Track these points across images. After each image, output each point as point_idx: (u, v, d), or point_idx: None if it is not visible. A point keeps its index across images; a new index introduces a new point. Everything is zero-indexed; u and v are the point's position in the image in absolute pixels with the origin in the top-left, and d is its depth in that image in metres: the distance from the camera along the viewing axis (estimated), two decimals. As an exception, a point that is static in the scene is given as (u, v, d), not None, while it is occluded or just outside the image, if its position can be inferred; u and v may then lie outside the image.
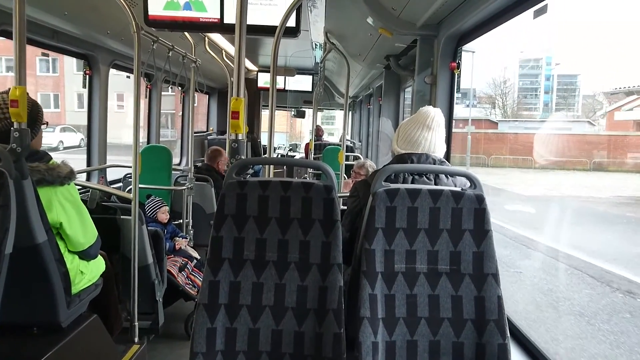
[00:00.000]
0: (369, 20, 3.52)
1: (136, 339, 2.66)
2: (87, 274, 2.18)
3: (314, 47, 6.27)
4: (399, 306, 1.68)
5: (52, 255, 1.94)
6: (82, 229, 2.10)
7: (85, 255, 2.16)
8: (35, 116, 2.05)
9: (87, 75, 4.17)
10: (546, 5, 2.20)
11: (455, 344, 1.67)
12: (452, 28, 3.00)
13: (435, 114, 2.00)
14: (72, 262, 2.10)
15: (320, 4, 4.11)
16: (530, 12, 2.41)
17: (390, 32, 3.47)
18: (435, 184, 1.91)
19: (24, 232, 1.81)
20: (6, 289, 1.69)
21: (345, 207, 2.13)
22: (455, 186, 1.94)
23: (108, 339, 2.35)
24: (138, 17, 2.64)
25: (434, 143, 1.98)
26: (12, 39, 1.87)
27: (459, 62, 3.19)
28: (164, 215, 3.70)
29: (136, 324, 2.67)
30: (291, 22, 2.75)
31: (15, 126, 1.84)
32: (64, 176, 2.00)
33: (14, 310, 1.93)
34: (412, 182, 1.89)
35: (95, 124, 4.27)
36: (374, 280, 1.67)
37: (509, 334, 1.68)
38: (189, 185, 4.28)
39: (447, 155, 3.28)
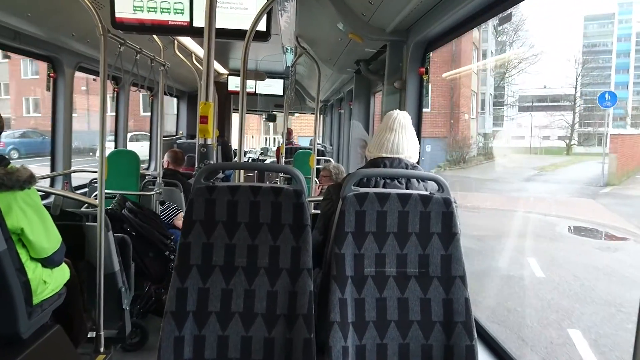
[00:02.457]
0: (339, 25, 3.53)
1: (102, 349, 2.59)
2: (50, 283, 2.12)
3: (284, 51, 6.25)
4: (368, 310, 1.69)
5: (12, 264, 1.88)
6: (45, 234, 2.04)
7: (49, 262, 2.10)
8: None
9: (52, 78, 4.06)
10: (511, 13, 2.26)
11: (424, 346, 1.69)
12: (421, 34, 3.04)
13: (398, 116, 2.04)
14: (35, 271, 2.04)
15: (291, 9, 4.11)
16: (496, 19, 2.47)
17: (360, 38, 3.49)
18: (407, 188, 1.93)
19: None
20: None
21: (317, 211, 2.14)
22: (426, 190, 1.97)
23: (72, 349, 2.29)
24: (105, 20, 2.59)
25: (399, 144, 2.01)
26: None
27: (427, 68, 3.23)
28: (179, 221, 3.69)
29: (102, 333, 2.60)
30: (262, 26, 2.74)
31: None
32: (23, 180, 1.94)
33: None
34: (384, 186, 1.91)
35: (60, 128, 4.16)
36: (344, 285, 1.67)
37: (476, 336, 1.71)
38: (158, 191, 4.20)
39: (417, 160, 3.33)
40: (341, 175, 4.69)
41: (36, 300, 2.03)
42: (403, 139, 2.02)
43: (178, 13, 2.88)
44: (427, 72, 3.26)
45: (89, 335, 2.61)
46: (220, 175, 2.03)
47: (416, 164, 2.05)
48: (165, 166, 4.73)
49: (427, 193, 1.76)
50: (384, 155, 1.99)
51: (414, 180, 1.95)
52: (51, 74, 4.04)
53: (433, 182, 1.93)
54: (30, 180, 1.97)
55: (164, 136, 5.43)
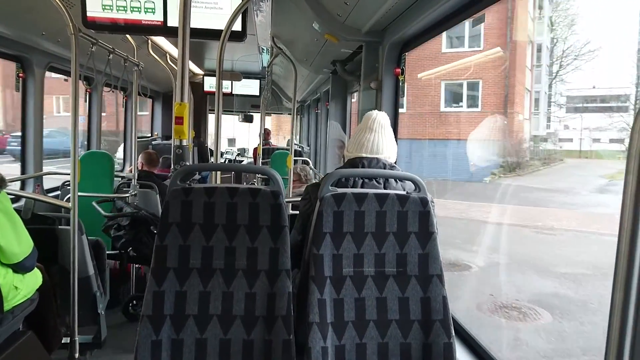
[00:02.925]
0: (315, 25, 3.54)
1: (77, 355, 2.54)
2: (22, 289, 2.07)
3: (260, 51, 6.23)
4: (347, 310, 1.70)
5: None
6: (16, 239, 1.99)
7: (20, 267, 2.05)
8: None
9: (20, 79, 3.95)
10: (484, 15, 2.30)
11: (403, 345, 1.70)
12: (396, 35, 3.07)
13: (377, 116, 2.06)
14: (5, 277, 1.99)
15: (267, 9, 4.10)
16: (470, 20, 2.51)
17: (336, 38, 3.50)
18: (385, 187, 1.94)
19: None
20: None
21: (295, 212, 2.13)
22: (404, 190, 1.98)
23: (45, 356, 2.24)
24: (76, 19, 2.54)
25: (378, 144, 2.03)
26: None
27: (402, 68, 3.26)
28: None
29: (76, 338, 2.55)
30: (237, 26, 2.72)
31: None
32: None
33: None
34: (362, 186, 1.92)
35: (30, 130, 4.06)
36: (323, 285, 1.67)
37: (454, 333, 1.73)
38: (132, 193, 4.14)
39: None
40: (308, 175, 4.72)
41: (7, 306, 1.98)
42: (382, 139, 2.04)
43: (151, 12, 2.84)
44: (402, 73, 3.29)
45: (63, 341, 2.55)
46: (197, 176, 2.01)
47: (394, 164, 2.07)
48: (140, 168, 4.64)
49: (404, 193, 1.77)
50: (363, 155, 2.01)
51: (392, 180, 1.96)
52: (20, 74, 3.94)
53: (411, 182, 1.95)
54: (0, 183, 1.93)
55: (139, 137, 5.35)
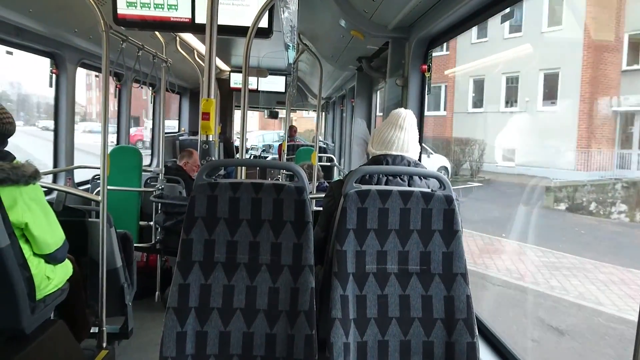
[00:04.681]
0: (341, 22, 3.53)
1: (104, 344, 2.61)
2: (53, 279, 2.13)
3: (286, 48, 6.25)
4: (370, 307, 1.70)
5: (15, 259, 1.88)
6: (49, 230, 2.05)
7: (52, 258, 2.11)
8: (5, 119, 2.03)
9: (54, 75, 4.06)
10: (513, 10, 2.26)
11: (426, 343, 1.70)
12: (423, 31, 3.04)
13: (406, 115, 2.04)
14: (38, 267, 2.05)
15: (293, 6, 4.11)
16: (498, 16, 2.46)
17: (362, 35, 3.48)
18: (409, 185, 1.93)
19: None
20: None
21: (319, 208, 2.14)
22: (428, 188, 1.97)
23: (75, 344, 2.30)
24: (107, 16, 2.59)
25: (407, 142, 2.03)
26: None
27: (429, 65, 3.23)
28: None
29: (104, 328, 2.61)
30: (263, 23, 2.74)
31: None
32: (28, 175, 1.95)
33: None
34: (387, 183, 1.91)
35: (63, 125, 4.16)
36: (346, 281, 1.67)
37: (477, 333, 1.71)
38: (160, 187, 4.21)
39: (419, 158, 3.33)
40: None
41: (39, 295, 2.04)
42: (409, 138, 2.03)
43: (180, 9, 2.88)
44: (429, 70, 3.26)
45: (92, 331, 2.62)
46: (222, 172, 2.04)
47: (418, 161, 2.06)
48: (182, 164, 4.67)
49: (428, 190, 1.76)
50: (388, 152, 2.00)
51: (416, 178, 1.95)
52: (54, 71, 4.04)
53: (435, 180, 1.94)
54: (35, 175, 1.99)
55: (166, 133, 5.44)
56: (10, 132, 2.08)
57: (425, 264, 1.73)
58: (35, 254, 2.06)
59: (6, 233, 1.84)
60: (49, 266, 2.11)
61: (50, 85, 4.10)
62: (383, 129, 2.06)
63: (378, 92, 5.84)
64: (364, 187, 1.74)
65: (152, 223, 4.34)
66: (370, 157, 2.09)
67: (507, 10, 2.32)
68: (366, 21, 3.34)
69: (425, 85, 3.32)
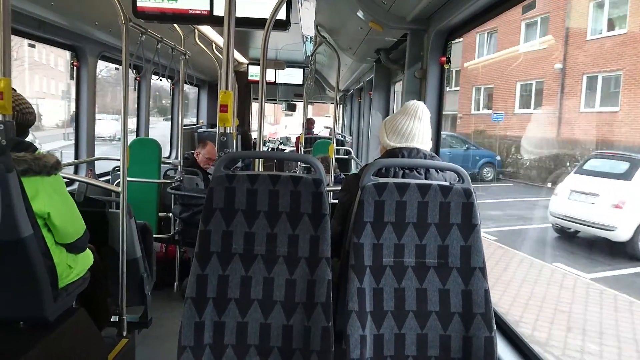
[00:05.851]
0: (359, 13, 3.50)
1: (125, 332, 2.65)
2: (75, 268, 2.17)
3: (304, 40, 6.23)
4: (387, 299, 1.69)
5: (38, 248, 1.92)
6: (70, 220, 2.09)
7: (73, 248, 2.15)
8: (25, 109, 2.07)
9: (75, 67, 4.12)
10: (535, 1, 2.21)
11: (443, 337, 1.69)
12: (442, 22, 3.00)
13: (422, 106, 2.03)
14: (60, 256, 2.09)
15: (311, -3, 4.10)
16: (520, 7, 2.42)
17: (380, 26, 3.46)
18: (426, 178, 1.92)
19: (8, 226, 1.79)
20: None
21: (336, 201, 2.14)
22: (445, 181, 1.96)
23: (96, 332, 2.34)
24: (126, 8, 2.61)
25: (423, 133, 2.02)
26: None
27: (448, 57, 3.20)
28: None
29: (125, 317, 2.66)
30: (281, 15, 2.74)
31: (0, 118, 1.82)
32: (50, 166, 1.98)
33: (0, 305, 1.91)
34: (403, 177, 1.90)
35: (84, 116, 4.23)
36: (362, 274, 1.67)
37: (495, 327, 1.70)
38: (178, 178, 4.26)
39: (437, 151, 3.31)
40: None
41: (62, 284, 2.08)
42: (426, 129, 2.02)
43: (198, 2, 2.89)
44: (448, 62, 3.22)
45: (112, 320, 2.67)
46: (240, 164, 2.05)
47: (434, 154, 2.04)
48: (195, 154, 4.72)
49: (447, 183, 1.75)
50: (404, 145, 1.99)
51: (432, 171, 1.94)
52: (74, 63, 4.10)
53: (452, 173, 1.92)
54: (56, 166, 2.02)
55: (185, 125, 5.48)
56: (31, 122, 2.12)
57: (443, 257, 1.72)
58: (57, 244, 2.09)
59: (29, 223, 1.88)
60: (70, 255, 2.15)
61: (72, 78, 4.17)
62: (398, 119, 2.03)
63: (396, 85, 5.80)
64: (382, 179, 1.74)
65: (171, 214, 4.39)
66: (384, 149, 2.08)
67: (529, 0, 2.27)
68: (384, 12, 3.31)
69: (444, 77, 3.29)
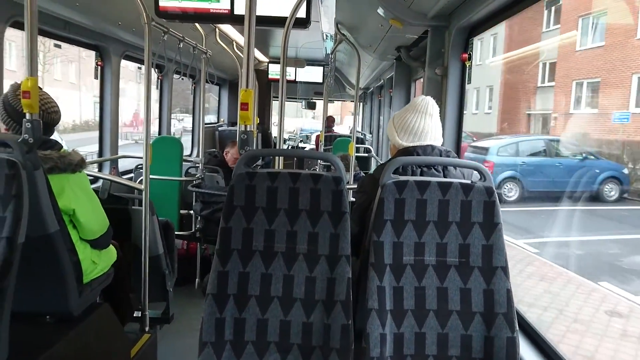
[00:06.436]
0: (380, 11, 3.49)
1: (147, 328, 2.69)
2: (99, 263, 2.21)
3: (324, 38, 6.23)
4: (407, 298, 1.69)
5: (64, 244, 1.96)
6: (94, 217, 2.13)
7: (97, 244, 2.19)
8: (51, 108, 2.10)
9: (99, 67, 4.19)
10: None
11: (464, 336, 1.67)
12: (464, 19, 2.97)
13: (431, 101, 2.01)
14: (84, 252, 2.13)
15: (331, -5, 4.09)
16: (544, 2, 2.37)
17: (400, 23, 3.43)
18: (444, 175, 1.90)
19: (36, 222, 1.83)
20: (19, 278, 1.71)
21: (354, 199, 2.14)
22: (464, 176, 1.94)
23: (119, 327, 2.38)
24: (149, 8, 2.65)
25: (435, 130, 2.00)
26: (23, 30, 1.88)
27: (470, 54, 3.16)
28: None
29: (147, 313, 2.70)
30: (301, 13, 2.74)
31: (27, 117, 1.86)
32: (75, 164, 2.02)
33: (27, 299, 1.96)
34: (421, 175, 1.89)
35: (107, 115, 4.30)
36: (382, 272, 1.67)
37: (517, 328, 1.68)
38: (200, 176, 4.30)
39: (457, 149, 3.27)
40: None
41: (86, 279, 2.12)
42: (437, 125, 2.00)
43: (219, 1, 2.91)
44: (469, 58, 3.19)
45: (135, 315, 2.71)
46: (260, 162, 2.06)
47: (449, 149, 2.02)
48: (224, 153, 4.75)
49: (468, 182, 1.73)
50: (417, 143, 1.97)
51: (450, 167, 1.92)
52: (98, 63, 4.17)
53: (470, 170, 1.90)
54: (81, 164, 2.06)
55: (206, 124, 5.54)
56: (56, 121, 2.16)
57: (464, 256, 1.70)
58: (81, 240, 2.14)
59: (56, 219, 1.92)
60: (94, 251, 2.19)
61: (96, 77, 4.24)
62: (408, 117, 2.01)
63: (416, 82, 5.75)
64: (402, 178, 1.73)
65: (192, 212, 4.44)
66: (395, 148, 2.05)
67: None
68: (405, 9, 3.29)
69: (466, 75, 3.25)
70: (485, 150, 10.71)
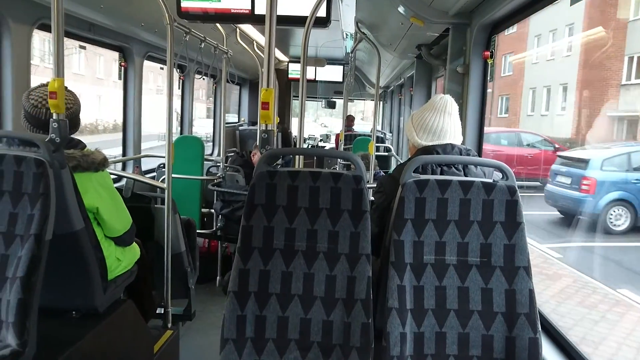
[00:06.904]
0: (400, 9, 3.47)
1: (169, 324, 2.73)
2: (123, 260, 2.25)
3: (344, 37, 6.22)
4: (427, 297, 1.68)
5: (89, 241, 2.00)
6: (117, 215, 2.16)
7: (120, 241, 2.23)
8: (77, 108, 2.15)
9: (123, 67, 4.26)
10: (585, -9, 2.12)
11: (485, 336, 1.66)
12: (485, 16, 2.94)
13: (450, 99, 1.99)
14: (108, 249, 2.17)
15: (351, -6, 4.09)
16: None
17: (421, 21, 3.41)
18: (465, 174, 1.89)
19: (62, 220, 1.87)
20: (46, 274, 1.75)
21: (373, 199, 2.13)
22: (485, 175, 1.92)
23: (142, 323, 2.42)
24: (171, 9, 2.69)
25: (455, 128, 1.98)
26: (50, 32, 1.92)
27: (492, 51, 3.12)
28: None
29: (170, 309, 2.74)
30: (322, 12, 2.74)
31: (54, 117, 1.90)
32: (98, 163, 2.06)
33: (53, 295, 2.01)
34: (441, 174, 1.87)
35: (131, 115, 4.37)
36: (403, 271, 1.66)
37: (540, 328, 1.65)
38: (221, 175, 4.34)
39: (479, 148, 3.24)
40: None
41: (110, 276, 2.16)
42: (457, 123, 1.98)
43: (240, 1, 2.93)
44: (491, 56, 3.15)
45: (157, 311, 2.75)
46: (280, 161, 2.07)
47: (469, 148, 2.00)
48: (252, 154, 4.79)
49: (490, 181, 1.71)
50: (436, 142, 1.96)
51: (471, 166, 1.90)
52: (122, 63, 4.25)
53: (490, 168, 1.88)
54: (104, 162, 2.10)
55: (227, 123, 5.58)
56: (78, 122, 2.21)
57: (486, 256, 1.69)
58: (106, 237, 2.18)
59: (81, 217, 1.96)
60: (118, 249, 2.23)
61: (120, 78, 4.31)
62: (427, 116, 1.99)
63: (437, 81, 5.71)
64: (423, 176, 1.72)
65: (213, 210, 4.48)
66: (414, 147, 2.04)
67: (578, -9, 2.19)
68: (426, 7, 3.27)
69: (488, 72, 3.22)
70: (583, 162, 7.86)
